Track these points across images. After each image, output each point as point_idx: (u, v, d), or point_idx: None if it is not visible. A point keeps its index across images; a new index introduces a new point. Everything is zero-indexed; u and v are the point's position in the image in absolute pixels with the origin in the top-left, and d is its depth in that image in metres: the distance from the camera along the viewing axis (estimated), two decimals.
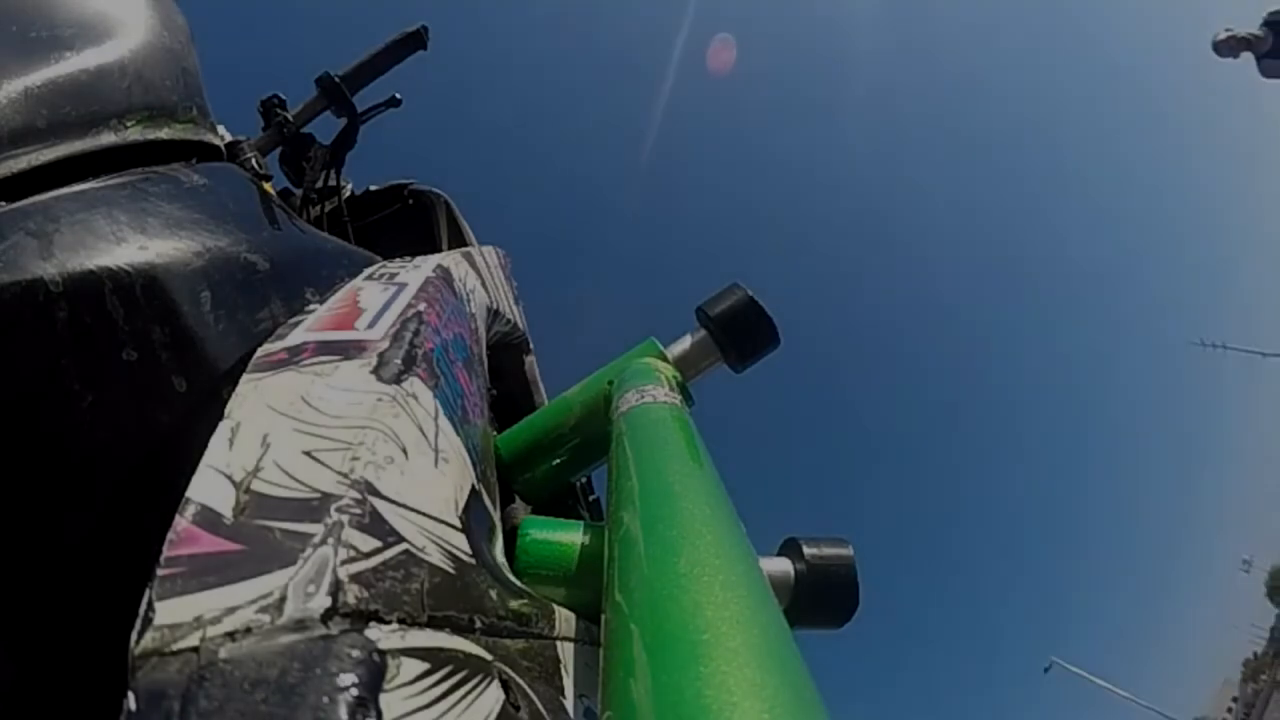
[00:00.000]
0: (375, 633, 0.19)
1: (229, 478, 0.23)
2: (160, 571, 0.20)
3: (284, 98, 0.87)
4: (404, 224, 1.03)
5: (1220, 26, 3.32)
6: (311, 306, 0.40)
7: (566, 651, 0.30)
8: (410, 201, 1.04)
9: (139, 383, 0.33)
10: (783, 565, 0.45)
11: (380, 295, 0.39)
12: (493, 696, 0.21)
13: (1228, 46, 3.32)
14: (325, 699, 0.17)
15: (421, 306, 0.38)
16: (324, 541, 0.20)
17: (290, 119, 0.85)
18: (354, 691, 0.17)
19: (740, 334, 0.54)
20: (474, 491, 0.30)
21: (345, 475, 0.23)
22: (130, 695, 0.17)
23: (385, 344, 0.32)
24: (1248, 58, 3.34)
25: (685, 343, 0.55)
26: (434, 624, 0.21)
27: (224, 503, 0.22)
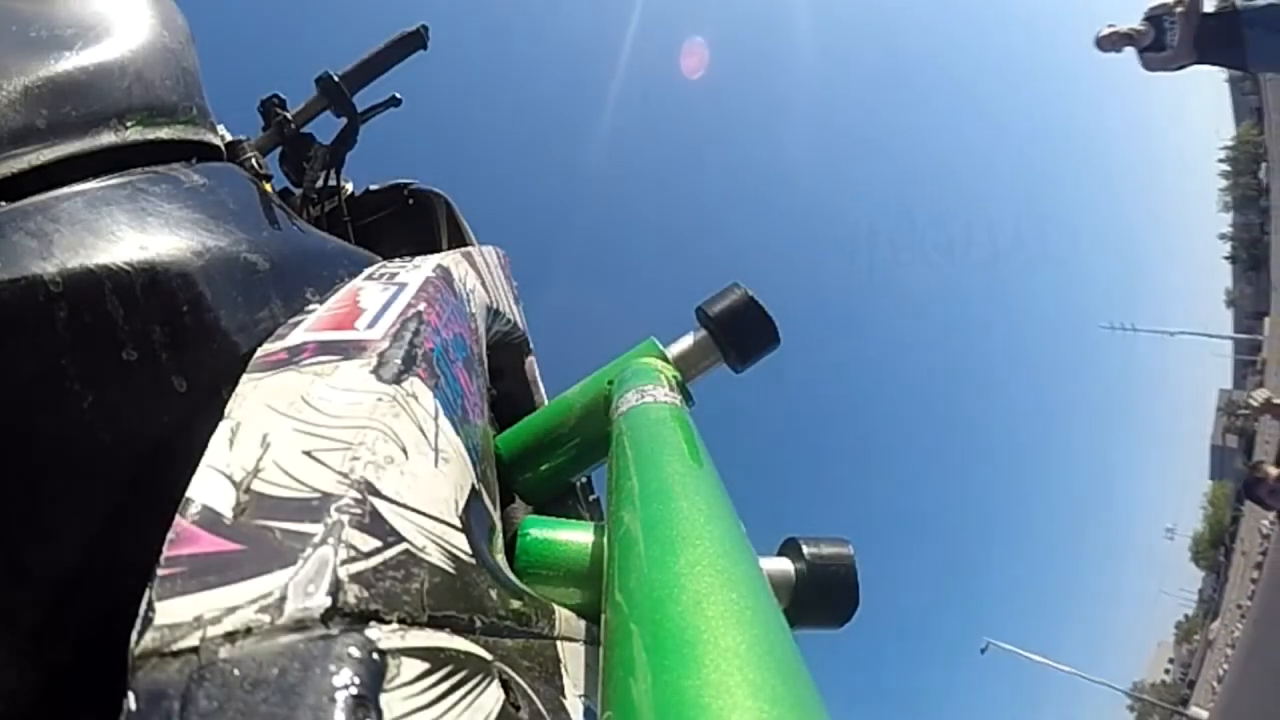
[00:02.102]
0: (375, 632, 0.19)
1: (229, 478, 0.23)
2: (160, 571, 0.20)
3: (284, 98, 0.87)
4: (404, 224, 1.03)
5: (1104, 23, 3.40)
6: (311, 306, 0.40)
7: (566, 651, 0.30)
8: (410, 201, 1.04)
9: (139, 383, 0.33)
10: (783, 565, 0.45)
11: (380, 295, 0.39)
12: (493, 696, 0.21)
13: (1110, 42, 3.40)
14: (325, 699, 0.17)
15: (421, 306, 0.38)
16: (324, 541, 0.20)
17: (290, 119, 0.85)
18: (354, 691, 0.17)
19: (740, 334, 0.54)
20: (474, 491, 0.30)
21: (345, 475, 0.23)
22: (130, 695, 0.17)
23: (385, 344, 0.32)
24: (1131, 52, 3.39)
25: (685, 343, 0.55)
26: (434, 624, 0.21)
27: (224, 503, 0.22)
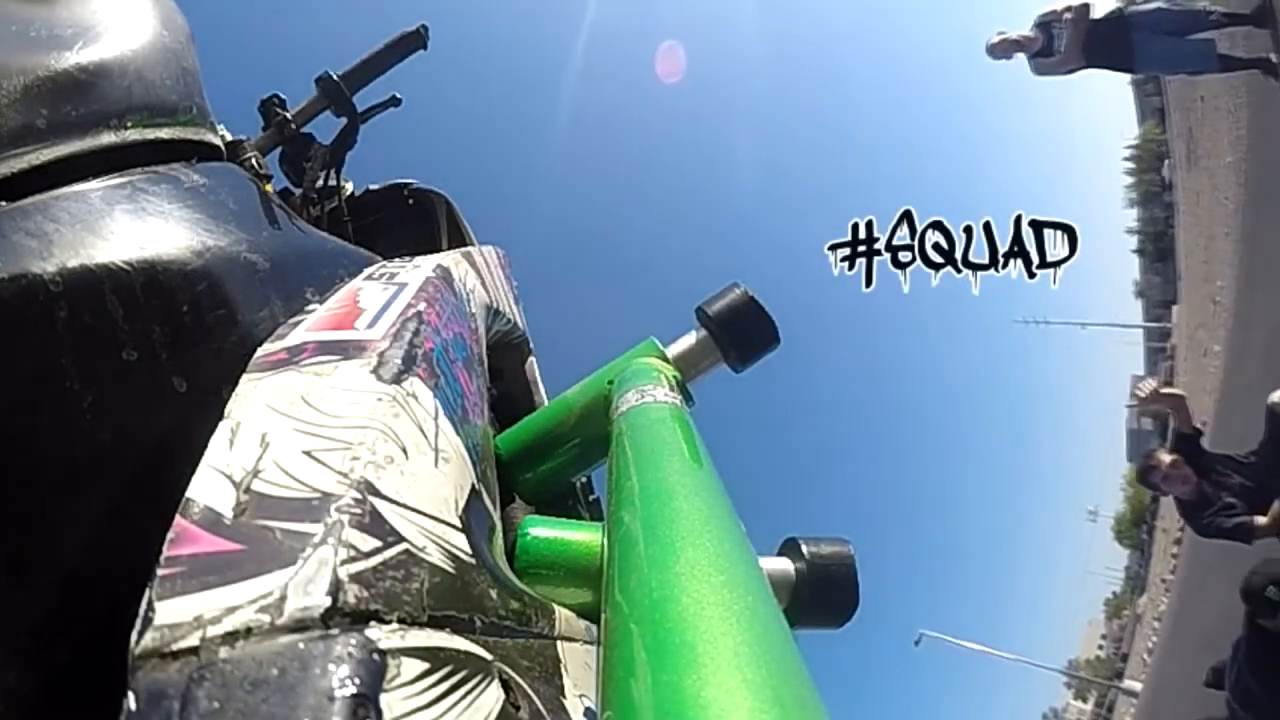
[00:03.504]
0: (375, 632, 0.19)
1: (229, 478, 0.23)
2: (160, 571, 0.20)
3: (284, 98, 0.87)
4: (404, 224, 1.03)
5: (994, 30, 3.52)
6: (311, 306, 0.40)
7: (566, 651, 0.30)
8: (410, 201, 1.04)
9: (139, 383, 0.33)
10: (783, 565, 0.45)
11: (380, 295, 0.39)
12: (493, 696, 0.21)
13: (1001, 49, 3.55)
14: (325, 699, 0.17)
15: (421, 306, 0.38)
16: (324, 541, 0.20)
17: (290, 119, 0.85)
18: (354, 691, 0.17)
19: (740, 333, 0.54)
20: (474, 491, 0.30)
21: (345, 475, 0.23)
22: (130, 695, 0.17)
23: (385, 344, 0.32)
24: (1022, 58, 3.52)
25: (685, 343, 0.55)
26: (434, 624, 0.21)
27: (224, 502, 0.22)
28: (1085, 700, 18.04)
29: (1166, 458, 2.86)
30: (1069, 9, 3.36)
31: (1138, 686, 9.81)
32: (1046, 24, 3.45)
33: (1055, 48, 3.43)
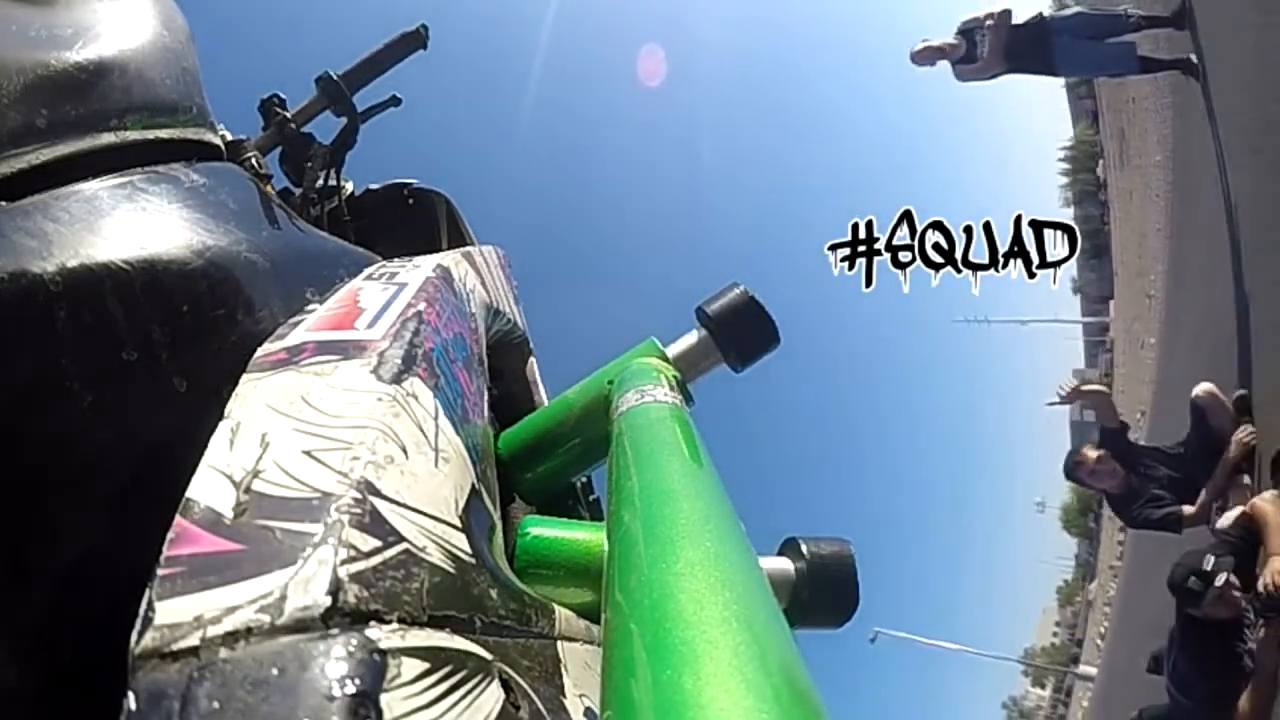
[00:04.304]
0: (375, 632, 0.19)
1: (229, 477, 0.23)
2: (160, 571, 0.20)
3: (284, 97, 0.87)
4: (404, 224, 1.03)
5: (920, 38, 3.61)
6: (311, 306, 0.40)
7: (566, 651, 0.30)
8: (410, 201, 1.04)
9: (139, 383, 0.33)
10: (783, 565, 0.45)
11: (380, 295, 0.39)
12: (493, 696, 0.21)
13: (924, 56, 3.64)
14: (325, 699, 0.17)
15: (421, 306, 0.38)
16: (324, 541, 0.20)
17: (290, 119, 0.85)
18: (354, 691, 0.17)
19: (740, 334, 0.54)
20: (474, 491, 0.30)
21: (345, 475, 0.23)
22: (130, 695, 0.17)
23: (385, 343, 0.32)
24: (946, 65, 3.61)
25: (685, 343, 0.55)
26: (434, 623, 0.21)
27: (224, 502, 0.22)
28: (1043, 687, 18.29)
29: (1092, 453, 2.93)
30: (990, 16, 3.47)
31: (1093, 671, 9.92)
32: (969, 31, 3.54)
33: (978, 54, 3.53)
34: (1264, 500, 2.39)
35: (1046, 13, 3.59)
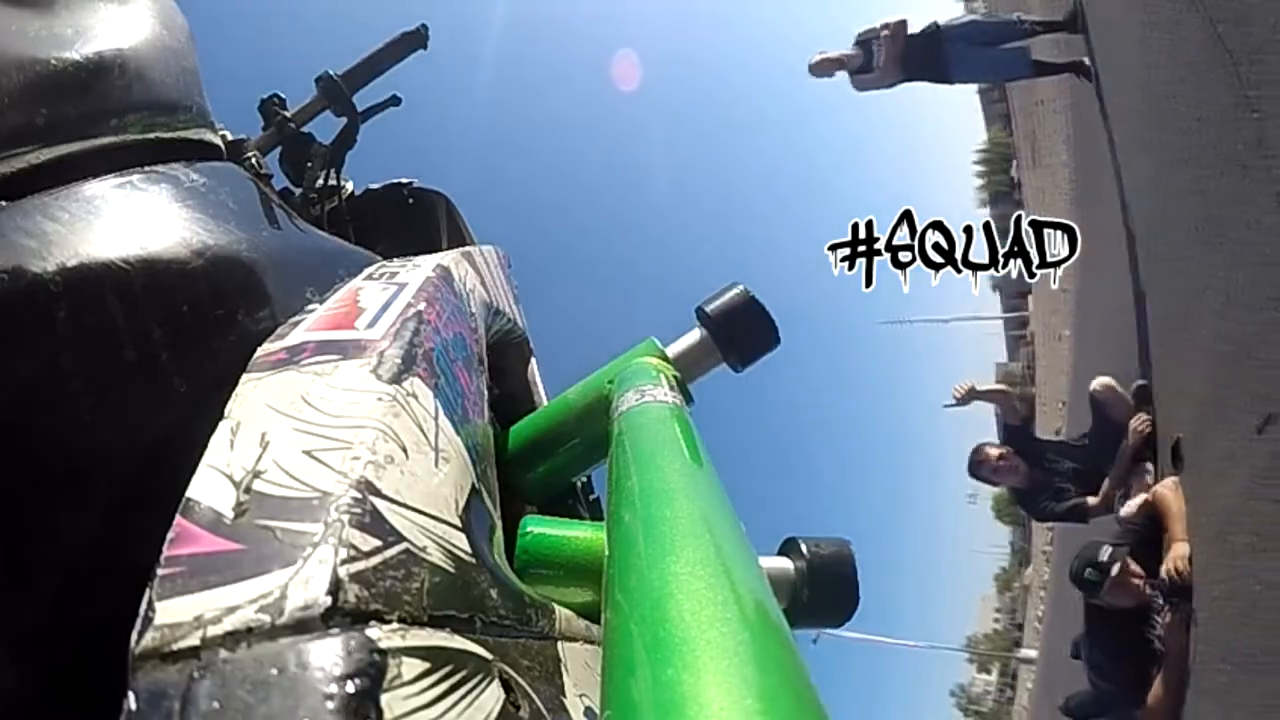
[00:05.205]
0: (375, 632, 0.19)
1: (229, 477, 0.23)
2: (160, 571, 0.20)
3: (284, 97, 0.87)
4: (404, 224, 1.03)
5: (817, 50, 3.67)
6: (311, 306, 0.40)
7: (567, 651, 0.30)
8: (410, 201, 1.04)
9: (139, 383, 0.33)
10: (783, 565, 0.45)
11: (380, 294, 0.39)
12: (493, 696, 0.21)
13: (822, 68, 3.69)
14: (325, 699, 0.17)
15: (421, 305, 0.38)
16: (324, 541, 0.20)
17: (290, 119, 0.85)
18: (354, 691, 0.17)
19: (740, 334, 0.54)
20: (474, 490, 0.30)
21: (345, 474, 0.23)
22: (130, 695, 0.17)
23: (385, 343, 0.32)
24: (844, 75, 3.67)
25: (685, 342, 0.55)
26: (434, 623, 0.21)
27: (224, 502, 0.22)
28: (989, 672, 18.52)
29: (994, 451, 2.98)
30: (886, 26, 3.55)
31: (1034, 654, 10.06)
32: (866, 41, 3.62)
33: (874, 63, 3.60)
34: (1165, 487, 2.43)
35: (942, 21, 3.68)
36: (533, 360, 0.76)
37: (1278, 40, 1.75)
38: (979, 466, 3.00)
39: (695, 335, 0.55)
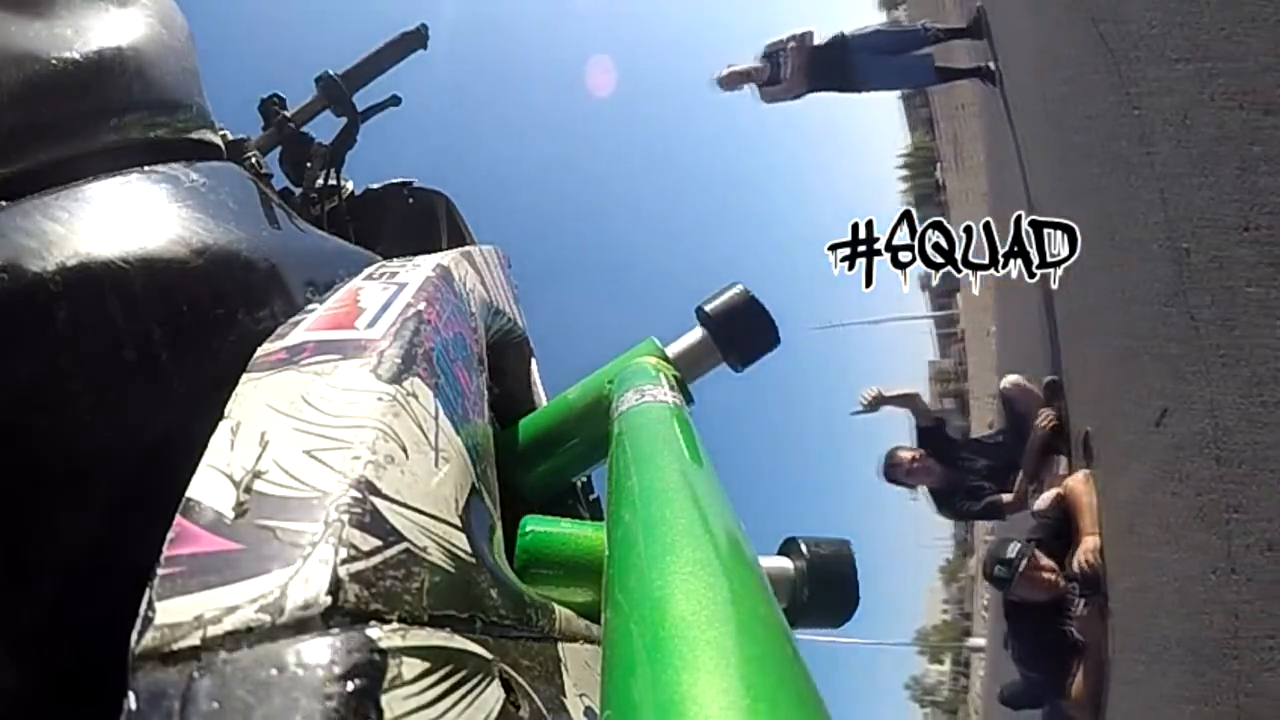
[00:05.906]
0: (376, 632, 0.19)
1: (229, 477, 0.23)
2: (160, 571, 0.20)
3: (284, 97, 0.87)
4: (404, 224, 1.03)
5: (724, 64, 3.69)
6: (311, 306, 0.40)
7: (567, 651, 0.30)
8: (410, 201, 1.04)
9: (139, 383, 0.33)
10: (783, 565, 0.45)
11: (380, 294, 0.39)
12: (493, 695, 0.21)
13: (730, 81, 3.71)
14: (325, 698, 0.17)
15: (421, 305, 0.38)
16: (324, 540, 0.20)
17: (290, 119, 0.85)
18: (354, 691, 0.17)
19: (740, 333, 0.54)
20: (474, 490, 0.30)
21: (345, 474, 0.23)
22: (130, 695, 0.17)
23: (385, 343, 0.32)
24: (753, 88, 3.68)
25: (685, 342, 0.55)
26: (435, 623, 0.21)
27: (224, 502, 0.22)
28: (941, 663, 18.61)
29: (907, 454, 2.98)
30: (792, 38, 3.58)
31: (982, 642, 10.17)
32: (773, 54, 3.63)
33: (782, 75, 3.62)
34: (1076, 481, 2.44)
35: (848, 32, 3.70)
36: (533, 360, 0.76)
37: (1154, 35, 1.75)
38: (894, 470, 3.00)
39: (695, 335, 0.55)
